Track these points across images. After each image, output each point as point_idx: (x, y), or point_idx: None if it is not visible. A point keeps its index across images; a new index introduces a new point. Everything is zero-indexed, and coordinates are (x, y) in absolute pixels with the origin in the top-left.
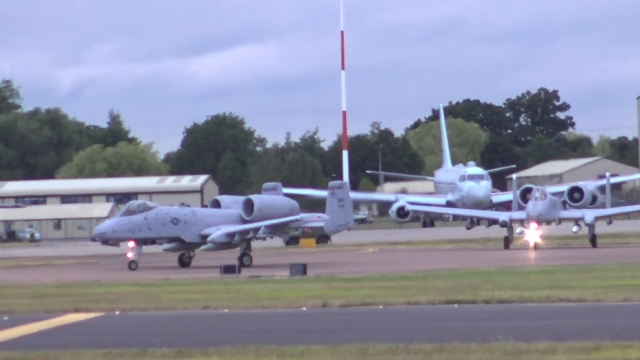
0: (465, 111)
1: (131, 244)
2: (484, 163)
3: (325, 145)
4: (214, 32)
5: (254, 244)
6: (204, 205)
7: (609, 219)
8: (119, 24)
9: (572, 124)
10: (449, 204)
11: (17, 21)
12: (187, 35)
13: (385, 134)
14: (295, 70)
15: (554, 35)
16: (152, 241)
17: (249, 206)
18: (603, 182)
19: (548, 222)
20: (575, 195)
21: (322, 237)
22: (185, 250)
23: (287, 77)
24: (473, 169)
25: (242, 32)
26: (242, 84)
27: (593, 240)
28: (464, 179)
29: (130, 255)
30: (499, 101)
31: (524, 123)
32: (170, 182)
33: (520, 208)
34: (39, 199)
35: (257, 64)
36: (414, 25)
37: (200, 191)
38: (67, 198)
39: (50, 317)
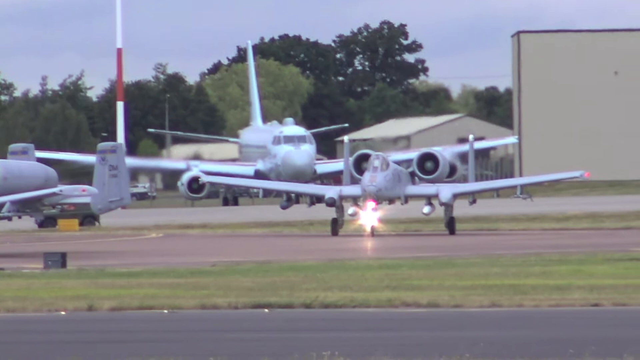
0: (282, 51)
1: None
2: (307, 120)
3: (94, 94)
4: None
5: None
6: None
7: (472, 197)
8: None
9: (425, 70)
10: (258, 175)
11: None
12: None
13: (174, 80)
14: None
15: None
16: None
17: None
18: (465, 147)
19: (391, 201)
20: (427, 164)
21: (88, 217)
22: None
23: (44, 3)
24: (291, 128)
25: None
26: None
27: (450, 224)
28: (279, 141)
29: None
30: (327, 38)
31: (360, 68)
32: None
33: (354, 181)
34: None
35: None
36: None
37: None
38: None
39: None
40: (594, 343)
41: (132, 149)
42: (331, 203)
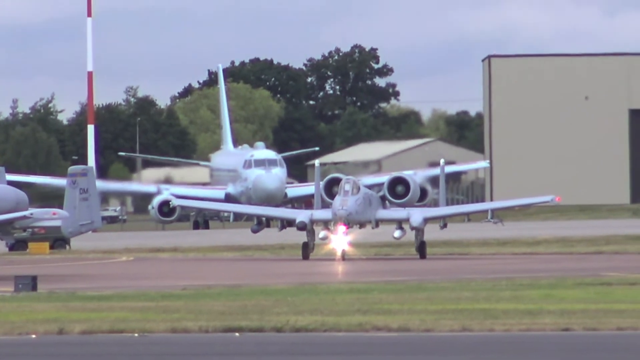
0: (253, 74)
1: None
2: (278, 144)
3: (64, 117)
4: None
5: None
6: None
7: (443, 221)
8: None
9: (396, 94)
10: (229, 199)
11: None
12: None
13: (145, 104)
14: (28, 17)
15: None
16: None
17: None
18: (436, 171)
19: (362, 225)
20: (398, 188)
21: (58, 240)
22: None
23: (16, 25)
24: (262, 152)
25: None
26: None
27: (421, 249)
28: (249, 165)
29: None
30: (298, 62)
31: (331, 92)
32: None
33: (325, 205)
34: None
35: None
36: None
37: None
38: None
39: None
40: None
41: (103, 172)
42: (302, 227)
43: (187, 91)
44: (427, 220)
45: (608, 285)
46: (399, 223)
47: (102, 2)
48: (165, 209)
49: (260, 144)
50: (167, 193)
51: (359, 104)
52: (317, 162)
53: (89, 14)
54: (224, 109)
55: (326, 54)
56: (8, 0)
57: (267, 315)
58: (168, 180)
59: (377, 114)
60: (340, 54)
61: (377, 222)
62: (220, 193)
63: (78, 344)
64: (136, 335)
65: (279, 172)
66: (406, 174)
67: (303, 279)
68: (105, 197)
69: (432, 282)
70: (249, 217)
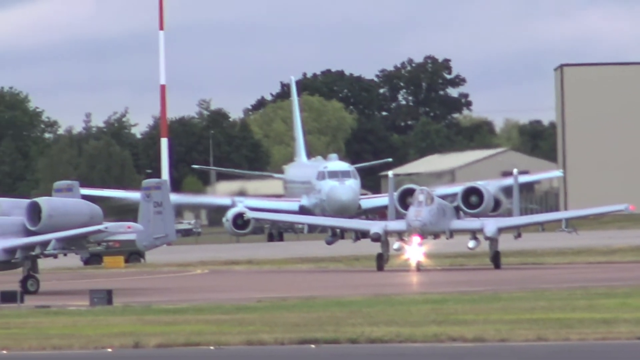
0: (325, 86)
1: None
2: (351, 155)
3: (138, 131)
4: None
5: (42, 262)
6: None
7: (517, 230)
8: None
9: (468, 104)
10: (303, 210)
11: None
12: None
13: (218, 117)
14: (100, 31)
15: None
16: None
17: (35, 213)
18: (510, 181)
19: (436, 235)
20: (472, 199)
21: (133, 254)
22: None
23: (88, 40)
24: (335, 163)
25: None
26: (32, 50)
27: (496, 259)
28: (323, 176)
29: None
30: (370, 73)
31: (403, 102)
32: None
33: (399, 216)
34: None
35: (58, 22)
36: None
37: None
38: None
39: None
40: None
41: (177, 185)
42: (376, 238)
43: (260, 104)
44: (501, 230)
45: None
46: (473, 233)
47: (174, 16)
48: (240, 221)
49: (333, 155)
50: (241, 205)
51: (431, 114)
52: (390, 173)
53: (161, 28)
54: (297, 121)
55: (398, 65)
56: (80, 15)
57: (342, 327)
58: (242, 193)
59: (449, 124)
60: (413, 64)
61: (451, 233)
62: (294, 205)
63: (154, 357)
64: (212, 348)
65: (352, 184)
66: (480, 184)
67: (378, 290)
68: (179, 210)
69: (506, 292)
70: (323, 229)
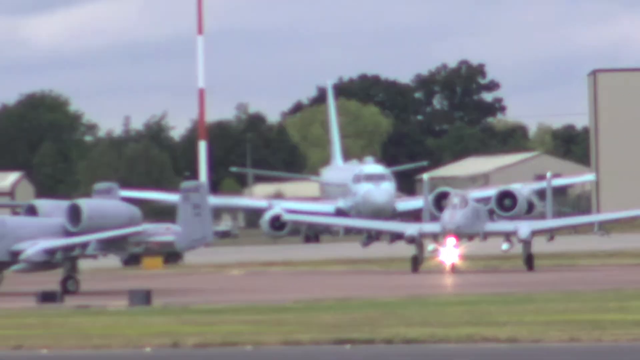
0: (361, 91)
1: None
2: (387, 159)
3: (177, 134)
4: None
5: (83, 263)
6: (15, 213)
7: (550, 233)
8: None
9: (502, 109)
10: (339, 213)
11: None
12: None
13: (256, 120)
14: (144, 37)
15: None
16: None
17: (75, 214)
18: (543, 184)
19: (470, 237)
20: (505, 202)
21: (171, 255)
22: None
23: (127, 44)
24: (371, 166)
25: None
26: (73, 54)
27: (529, 261)
28: (359, 179)
29: None
30: (405, 78)
31: (438, 107)
32: None
33: (434, 219)
34: None
35: (97, 27)
36: None
37: (11, 193)
38: None
39: None
40: None
41: (215, 187)
42: (411, 240)
43: (297, 107)
44: (534, 233)
45: None
46: (507, 236)
47: (213, 21)
48: (277, 223)
49: (369, 158)
50: (278, 208)
51: (466, 118)
52: (425, 176)
53: (200, 32)
54: (333, 125)
55: (433, 70)
56: (122, 20)
57: (377, 328)
58: (279, 195)
59: (484, 128)
60: (448, 69)
61: (485, 235)
62: (330, 207)
63: (192, 357)
64: (249, 347)
65: (388, 187)
66: (513, 187)
67: (412, 292)
68: (217, 212)
69: (540, 294)
70: (358, 231)
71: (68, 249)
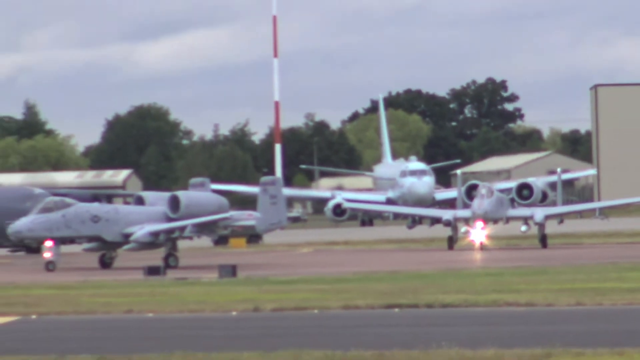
0: (406, 102)
1: (49, 243)
2: (427, 158)
3: (257, 138)
4: (164, 17)
5: (181, 243)
6: (126, 202)
7: (561, 217)
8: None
9: (521, 116)
10: (389, 202)
11: None
12: (133, 20)
13: (321, 127)
14: (230, 58)
15: (507, 23)
16: (71, 240)
17: (175, 203)
18: (554, 178)
19: (495, 221)
20: (524, 192)
21: (253, 236)
22: (106, 250)
23: (221, 65)
24: (415, 164)
25: (192, 15)
26: (173, 73)
27: (543, 240)
28: (405, 174)
29: (47, 255)
30: (442, 91)
31: (469, 115)
32: (90, 177)
33: (466, 206)
34: None
35: (195, 51)
36: (359, 12)
37: (123, 187)
38: None
39: None
40: None
41: (288, 181)
42: (448, 224)
43: (354, 116)
44: (547, 217)
45: None
46: (525, 220)
47: (287, 44)
48: (338, 210)
49: (413, 157)
50: (339, 197)
51: (491, 124)
52: (459, 172)
53: (275, 55)
54: (383, 131)
55: (465, 85)
56: (211, 45)
57: (420, 295)
58: (340, 187)
59: (506, 132)
60: (476, 84)
61: (508, 219)
62: (381, 197)
63: (270, 319)
64: (316, 311)
65: (428, 180)
66: (530, 180)
67: (448, 265)
68: (289, 202)
69: (552, 267)
70: (404, 216)
71: (169, 231)
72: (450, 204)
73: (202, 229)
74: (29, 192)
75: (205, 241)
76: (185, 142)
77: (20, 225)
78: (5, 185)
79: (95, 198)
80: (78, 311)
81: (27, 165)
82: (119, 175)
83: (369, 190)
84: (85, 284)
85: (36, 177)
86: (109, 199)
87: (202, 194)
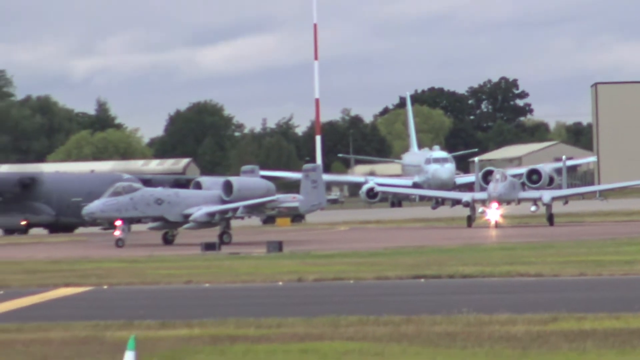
0: (430, 99)
1: (118, 222)
2: (448, 147)
3: (300, 130)
4: (222, 23)
5: (233, 222)
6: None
7: (565, 199)
8: (129, 16)
9: (531, 111)
10: (415, 185)
11: (32, 14)
12: (194, 27)
13: (356, 120)
14: (277, 60)
15: (518, 30)
16: (138, 220)
17: (228, 187)
18: (559, 164)
19: (508, 202)
20: (533, 177)
21: (296, 216)
22: (168, 229)
23: (269, 67)
24: (438, 152)
25: (244, 24)
26: (228, 74)
27: (550, 219)
28: (429, 162)
29: (117, 233)
30: (462, 89)
31: (485, 110)
32: (154, 165)
33: (482, 189)
34: None
35: (246, 55)
36: (390, 20)
37: (183, 173)
38: None
39: (43, 292)
40: None
41: (327, 168)
42: (467, 204)
43: (385, 111)
44: (554, 199)
45: None
46: (534, 201)
47: (325, 49)
48: (371, 193)
49: (436, 147)
50: (372, 182)
51: (505, 118)
52: (476, 159)
53: (316, 58)
54: (410, 124)
55: (481, 83)
56: (261, 50)
57: (443, 267)
58: (372, 173)
59: (517, 125)
60: (491, 83)
61: (519, 201)
62: (409, 182)
63: (311, 289)
64: (352, 281)
65: (450, 167)
66: (539, 166)
67: (468, 241)
68: (328, 186)
69: (558, 242)
70: (429, 198)
71: (223, 212)
72: (468, 187)
73: (252, 210)
74: (119, 177)
75: (255, 220)
76: (237, 134)
77: (93, 207)
78: (99, 172)
79: (177, 183)
80: (144, 282)
81: (99, 154)
82: (180, 164)
83: (397, 175)
84: (150, 258)
85: (127, 164)
86: (187, 183)
87: (252, 180)
